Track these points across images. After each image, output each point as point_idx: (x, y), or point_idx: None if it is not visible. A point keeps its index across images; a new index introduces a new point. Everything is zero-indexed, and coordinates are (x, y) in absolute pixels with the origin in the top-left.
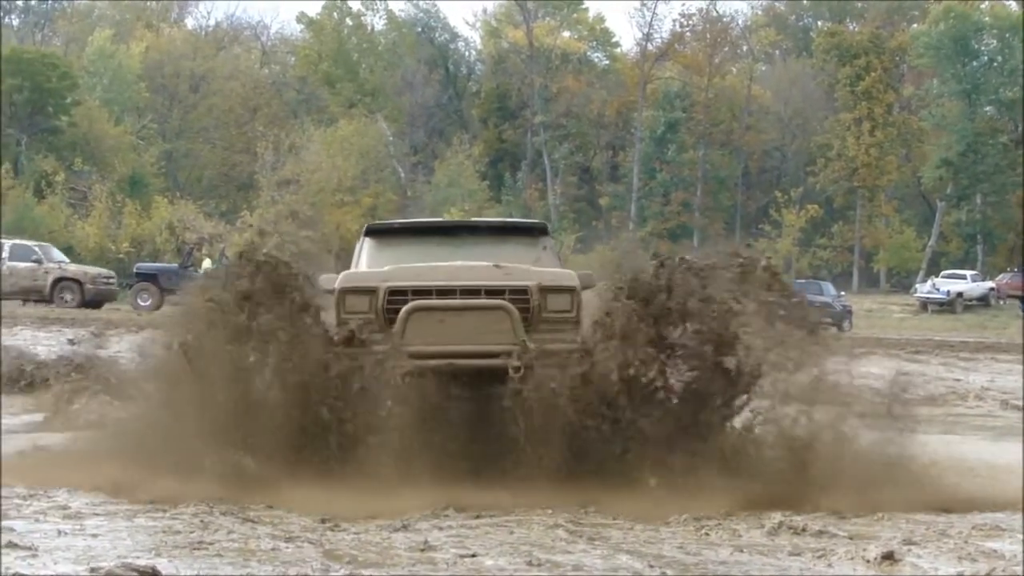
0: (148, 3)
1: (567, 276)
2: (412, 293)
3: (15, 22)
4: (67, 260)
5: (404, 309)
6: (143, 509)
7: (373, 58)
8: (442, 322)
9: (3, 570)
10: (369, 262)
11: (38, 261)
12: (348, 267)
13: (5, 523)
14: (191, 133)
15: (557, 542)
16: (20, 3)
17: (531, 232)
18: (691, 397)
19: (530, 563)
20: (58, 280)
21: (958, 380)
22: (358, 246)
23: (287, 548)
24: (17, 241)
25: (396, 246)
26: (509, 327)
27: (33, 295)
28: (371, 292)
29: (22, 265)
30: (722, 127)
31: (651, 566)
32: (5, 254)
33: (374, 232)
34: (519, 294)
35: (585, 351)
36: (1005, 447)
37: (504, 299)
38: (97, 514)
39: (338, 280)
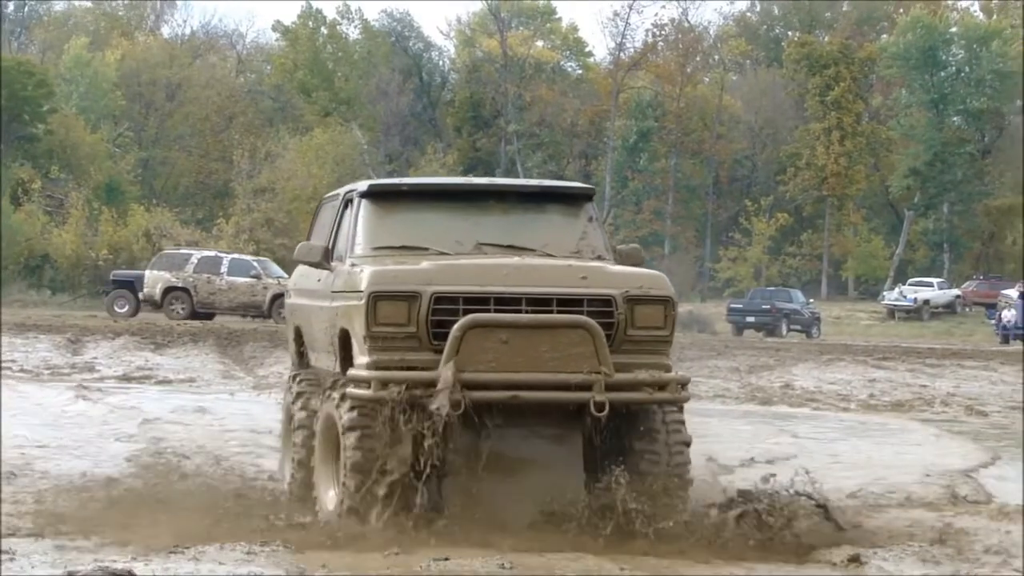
0: (124, 12)
1: (660, 281)
2: (465, 301)
3: None
4: (285, 276)
5: (459, 325)
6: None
7: (348, 67)
8: (506, 343)
9: None
10: (369, 235)
11: (257, 276)
12: (313, 236)
13: None
14: (167, 141)
15: None
16: None
17: (574, 199)
18: None
19: None
20: (277, 296)
21: (924, 386)
22: (349, 211)
23: (261, 551)
24: (236, 256)
25: (405, 214)
26: (591, 351)
27: (251, 311)
28: (411, 298)
29: (241, 280)
30: (694, 136)
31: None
32: (224, 269)
33: (376, 195)
34: (601, 305)
35: (683, 382)
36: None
37: (583, 312)
38: (73, 515)
39: (366, 278)
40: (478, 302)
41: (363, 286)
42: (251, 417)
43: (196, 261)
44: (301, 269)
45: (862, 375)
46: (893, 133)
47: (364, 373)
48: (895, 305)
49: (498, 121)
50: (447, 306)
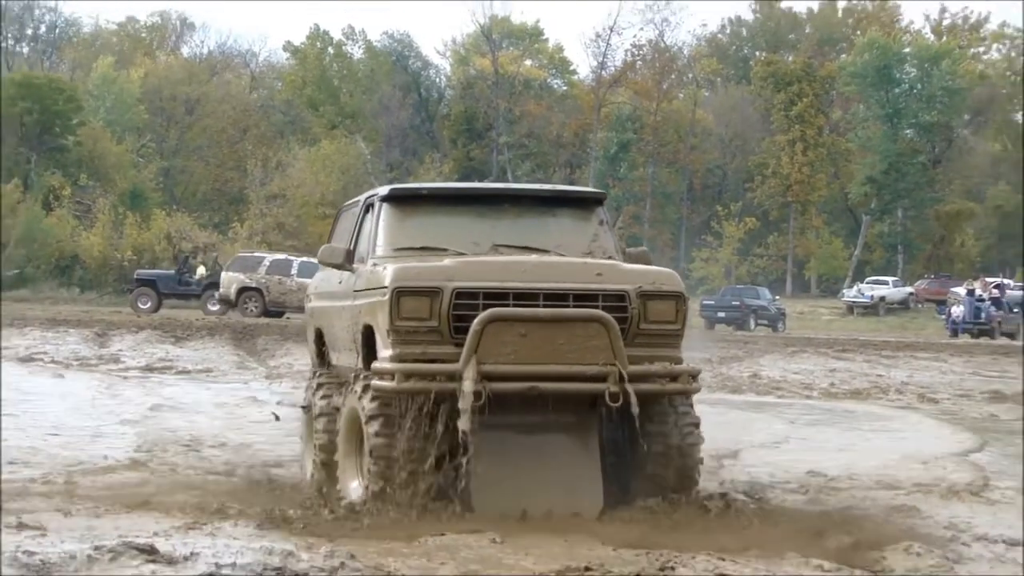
0: (147, 34)
1: (671, 278)
2: (485, 297)
3: (25, 50)
4: None
5: (479, 319)
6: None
7: (352, 84)
8: (525, 336)
9: (15, 549)
10: (390, 237)
11: None
12: (334, 241)
13: (16, 505)
14: (186, 151)
15: None
16: (30, 32)
17: (586, 203)
18: None
19: None
20: None
21: (880, 376)
22: (370, 214)
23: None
24: (305, 259)
25: (424, 217)
26: (606, 343)
27: None
28: (434, 293)
29: (309, 281)
30: (669, 147)
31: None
32: (294, 271)
33: (396, 199)
34: (615, 300)
35: (693, 373)
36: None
37: (598, 307)
38: (97, 496)
39: (390, 275)
40: (497, 297)
41: (387, 282)
42: (263, 406)
43: (268, 264)
44: (320, 274)
45: (823, 365)
46: (851, 144)
47: (388, 366)
48: (854, 302)
49: (490, 133)
50: (468, 301)
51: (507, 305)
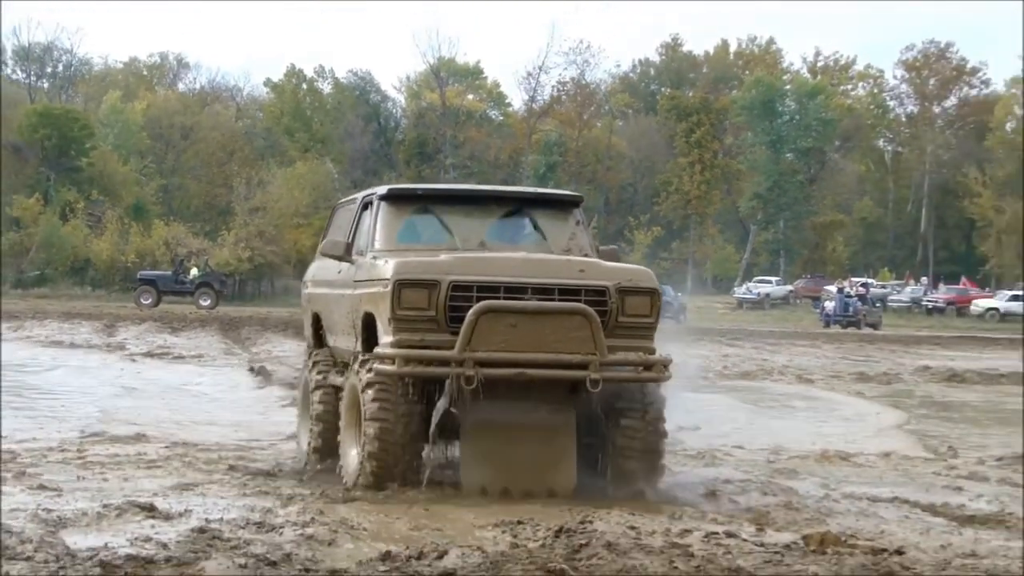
0: (148, 72)
1: (646, 276)
2: (478, 289)
3: (45, 85)
4: None
5: (473, 310)
6: (145, 460)
7: (322, 114)
8: (514, 327)
9: (35, 507)
10: (387, 232)
11: None
12: (330, 235)
13: (35, 470)
14: (182, 171)
15: None
16: (49, 70)
17: (565, 204)
18: None
19: None
20: None
21: (765, 360)
22: (369, 211)
23: (256, 489)
24: None
25: (418, 215)
26: (588, 334)
27: None
28: (432, 285)
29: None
30: (589, 168)
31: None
32: None
33: (394, 198)
34: (596, 295)
35: (665, 363)
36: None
37: (581, 301)
38: (105, 462)
39: (391, 268)
40: (490, 290)
41: (389, 275)
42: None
43: None
44: (317, 264)
45: (718, 352)
46: (741, 166)
47: (389, 351)
48: (743, 298)
49: (438, 156)
50: (463, 293)
51: (499, 297)
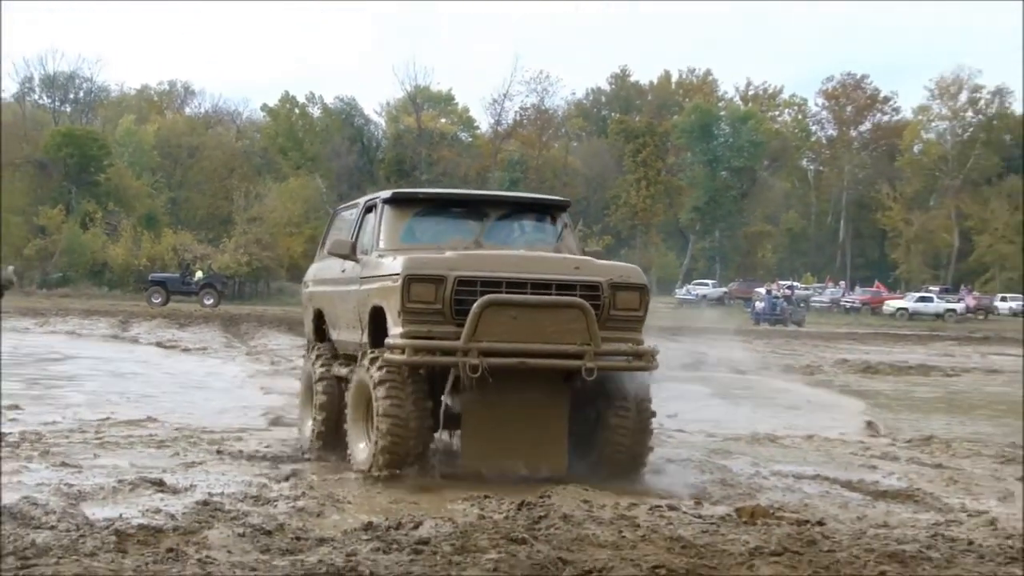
0: (158, 98)
1: (636, 272)
2: (482, 284)
3: (68, 109)
4: None
5: (478, 303)
6: (155, 440)
7: (312, 135)
8: (515, 319)
9: (58, 482)
10: (391, 233)
11: None
12: (330, 237)
13: (58, 449)
14: (188, 185)
15: None
16: (72, 96)
17: (553, 208)
18: None
19: None
20: None
21: (703, 353)
22: (372, 214)
23: (257, 463)
24: None
25: (420, 217)
26: (584, 326)
27: None
28: (439, 281)
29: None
30: (547, 184)
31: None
32: None
33: (396, 201)
34: (590, 290)
35: (654, 353)
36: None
37: (576, 295)
38: (120, 442)
39: (400, 264)
40: (492, 285)
41: (399, 270)
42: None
43: None
44: (317, 265)
45: (662, 346)
46: (681, 182)
47: (400, 341)
48: (683, 298)
49: (415, 173)
50: (467, 288)
51: (500, 292)
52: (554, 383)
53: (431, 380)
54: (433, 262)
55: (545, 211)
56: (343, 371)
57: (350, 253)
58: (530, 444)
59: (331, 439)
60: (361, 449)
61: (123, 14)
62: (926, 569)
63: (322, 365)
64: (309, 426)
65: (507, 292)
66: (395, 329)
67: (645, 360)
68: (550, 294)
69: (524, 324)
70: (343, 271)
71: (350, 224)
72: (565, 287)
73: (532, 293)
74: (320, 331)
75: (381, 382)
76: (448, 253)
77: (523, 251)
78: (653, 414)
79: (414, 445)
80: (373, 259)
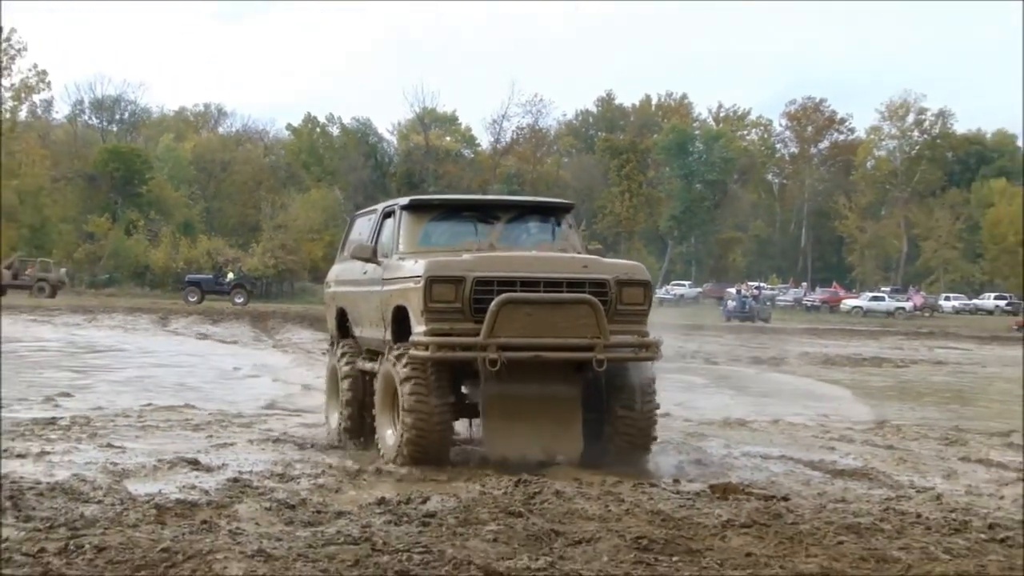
0: (194, 119)
1: (640, 270)
2: (498, 284)
3: (115, 128)
4: None
5: (496, 301)
6: (192, 424)
7: (331, 152)
8: (530, 315)
9: (104, 461)
10: (409, 237)
11: None
12: (349, 241)
13: (104, 432)
14: (221, 196)
15: None
16: (118, 117)
17: (559, 211)
18: None
19: None
20: None
21: (681, 347)
22: (391, 220)
23: (281, 446)
24: None
25: (436, 221)
26: (593, 321)
27: None
28: (458, 281)
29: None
30: (541, 196)
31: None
32: None
33: (414, 207)
34: (598, 287)
35: (658, 344)
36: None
37: (585, 292)
38: (160, 426)
39: (423, 267)
40: (508, 284)
41: (421, 272)
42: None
43: None
44: (339, 266)
45: None
46: (661, 194)
47: (424, 339)
48: (663, 298)
49: (423, 185)
50: (485, 287)
51: (516, 290)
52: (567, 374)
53: (452, 373)
54: (453, 264)
55: (551, 213)
56: (368, 366)
57: (371, 256)
58: (547, 431)
59: (357, 429)
60: (389, 436)
61: (164, 43)
62: (879, 539)
63: (347, 363)
64: (336, 418)
65: (522, 291)
66: (419, 327)
67: (651, 351)
68: (561, 291)
69: (538, 320)
70: (364, 273)
71: (368, 229)
72: (575, 284)
73: (545, 291)
74: (343, 328)
75: (407, 379)
76: (465, 255)
77: (535, 252)
78: (657, 406)
79: (437, 437)
80: (394, 262)
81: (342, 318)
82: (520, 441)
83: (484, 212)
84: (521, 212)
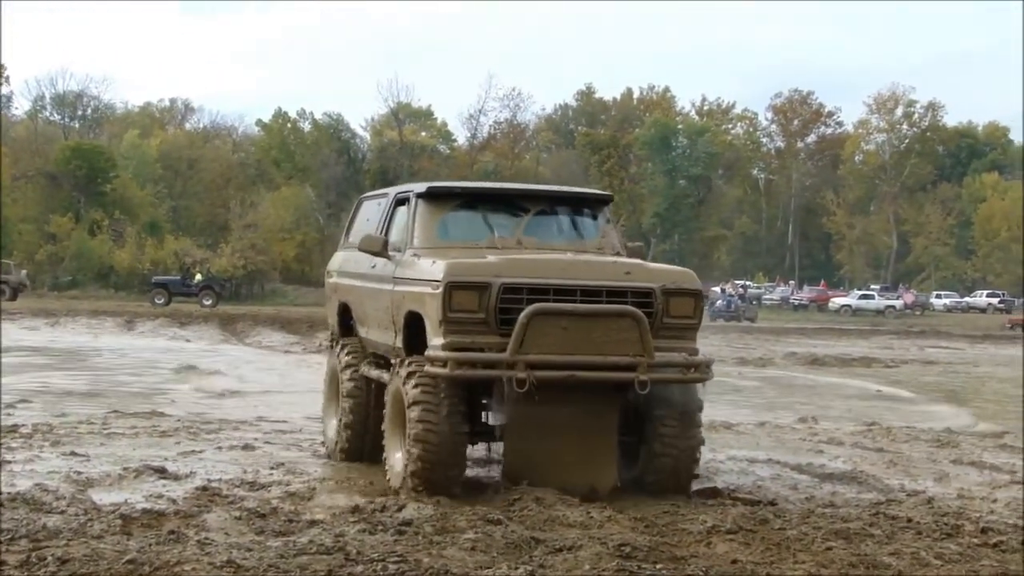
0: (160, 114)
1: (690, 277)
2: (528, 292)
3: (77, 125)
4: None
5: (525, 312)
6: (159, 431)
7: (303, 148)
8: (565, 329)
9: (68, 470)
10: (426, 229)
11: None
12: (355, 229)
13: (67, 439)
14: (189, 195)
15: None
16: (80, 113)
17: (595, 203)
18: None
19: None
20: None
21: None
22: (405, 208)
23: (252, 453)
24: None
25: (457, 212)
26: (636, 336)
27: None
28: (483, 288)
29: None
30: None
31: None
32: None
33: (432, 196)
34: (642, 296)
35: (709, 363)
36: None
37: (627, 302)
38: (126, 433)
39: (441, 269)
40: (540, 292)
41: (440, 276)
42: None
43: None
44: (343, 255)
45: None
46: (643, 190)
47: (441, 354)
48: None
49: (397, 182)
50: (513, 295)
51: (548, 299)
52: (603, 395)
53: (468, 392)
54: (477, 267)
55: (586, 205)
56: (374, 373)
57: (382, 250)
58: (577, 459)
59: (356, 452)
60: (398, 460)
61: (128, 36)
62: (869, 545)
63: (350, 376)
64: (333, 425)
65: (555, 300)
66: (435, 339)
67: (700, 371)
68: (600, 301)
69: (574, 334)
70: (373, 266)
71: (377, 216)
72: (616, 294)
73: (581, 301)
74: (345, 325)
75: (416, 402)
76: (491, 257)
77: (570, 254)
78: (702, 440)
79: (446, 468)
80: (408, 258)
81: (345, 314)
82: (546, 471)
83: (510, 203)
84: (552, 203)
